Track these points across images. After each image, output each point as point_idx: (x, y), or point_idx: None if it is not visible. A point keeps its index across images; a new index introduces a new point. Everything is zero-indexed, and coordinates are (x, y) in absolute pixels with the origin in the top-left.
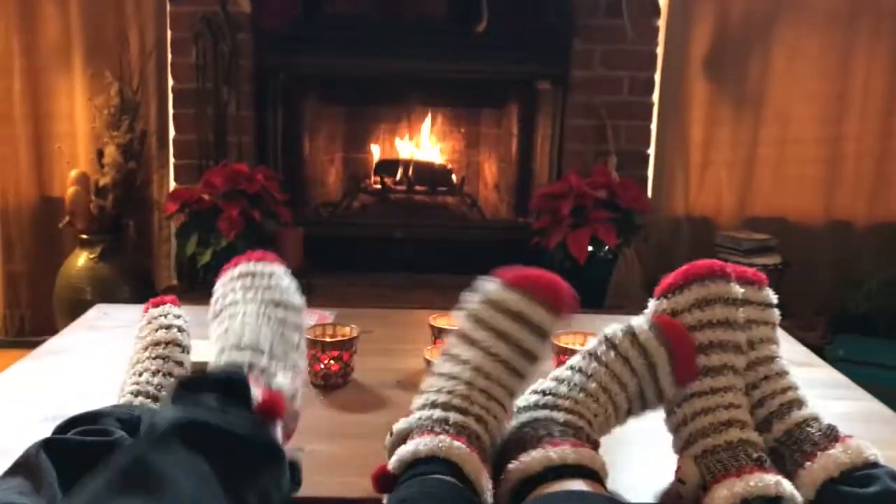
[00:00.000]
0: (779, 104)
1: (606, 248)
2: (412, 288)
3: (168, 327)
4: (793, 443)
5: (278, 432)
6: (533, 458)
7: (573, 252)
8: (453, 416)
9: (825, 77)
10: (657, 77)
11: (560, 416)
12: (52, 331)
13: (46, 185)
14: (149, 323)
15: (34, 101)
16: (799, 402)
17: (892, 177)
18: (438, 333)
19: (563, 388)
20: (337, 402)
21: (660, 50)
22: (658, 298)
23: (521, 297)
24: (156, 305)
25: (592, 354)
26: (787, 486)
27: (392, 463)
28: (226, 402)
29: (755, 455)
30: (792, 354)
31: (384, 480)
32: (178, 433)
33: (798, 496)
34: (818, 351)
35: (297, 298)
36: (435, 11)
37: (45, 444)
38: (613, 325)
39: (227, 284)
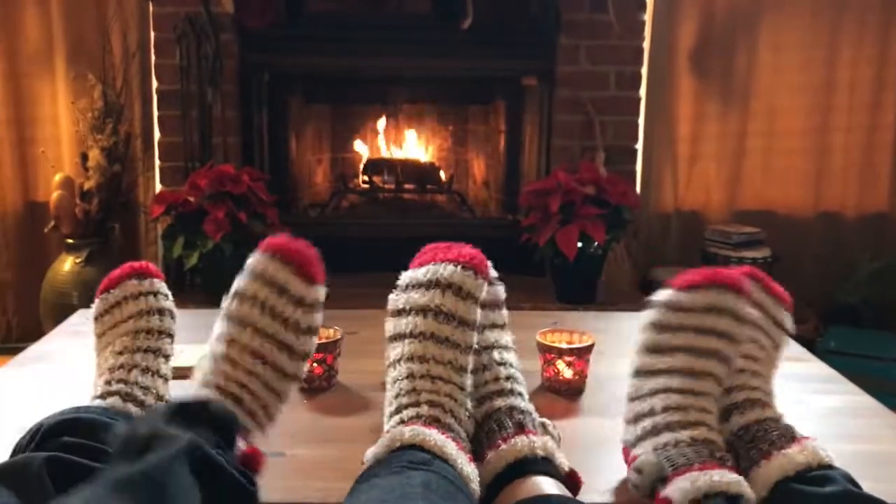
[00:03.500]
0: (765, 97)
1: (596, 244)
2: None
3: (161, 312)
4: (749, 439)
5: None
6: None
7: (563, 249)
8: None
9: (811, 69)
10: (644, 72)
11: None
12: (40, 336)
13: (31, 190)
14: (134, 299)
15: (17, 106)
16: (763, 403)
17: (880, 167)
18: None
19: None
20: (320, 405)
21: (646, 44)
22: (675, 290)
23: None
24: (139, 275)
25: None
26: (747, 487)
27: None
28: (219, 442)
29: (718, 454)
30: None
31: None
32: (188, 459)
33: (752, 497)
34: (811, 343)
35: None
36: (420, 8)
37: (48, 461)
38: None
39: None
